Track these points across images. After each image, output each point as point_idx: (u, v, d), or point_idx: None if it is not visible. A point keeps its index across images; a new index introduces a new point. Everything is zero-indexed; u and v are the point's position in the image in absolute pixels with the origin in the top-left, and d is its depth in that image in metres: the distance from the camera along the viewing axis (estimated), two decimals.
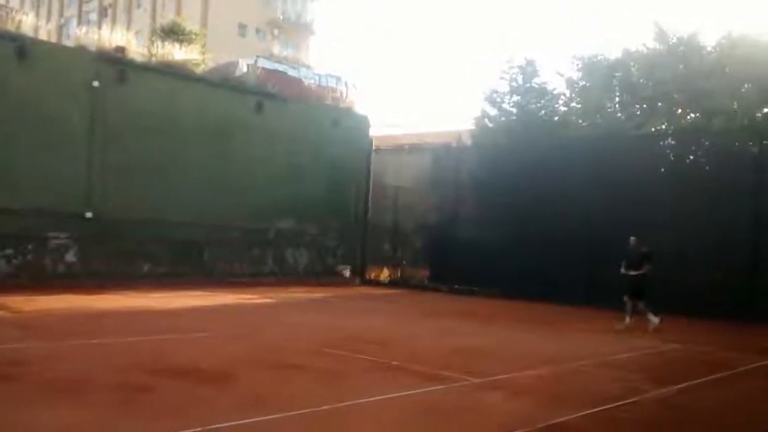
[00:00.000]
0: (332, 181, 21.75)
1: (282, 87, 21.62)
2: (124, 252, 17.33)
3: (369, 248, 22.72)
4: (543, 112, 23.80)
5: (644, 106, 21.17)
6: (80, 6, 56.02)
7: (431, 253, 21.75)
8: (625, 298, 12.90)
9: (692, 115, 20.60)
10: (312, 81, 23.67)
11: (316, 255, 22.13)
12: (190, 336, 10.11)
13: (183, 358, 8.19)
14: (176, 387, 6.83)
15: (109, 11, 53.36)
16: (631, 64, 21.87)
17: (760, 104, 19.36)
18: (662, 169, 17.80)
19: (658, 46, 21.39)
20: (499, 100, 24.50)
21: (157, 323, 11.42)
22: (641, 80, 21.36)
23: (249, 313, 13.85)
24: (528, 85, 24.10)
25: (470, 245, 19.10)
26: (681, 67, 20.48)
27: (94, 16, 53.42)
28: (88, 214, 16.64)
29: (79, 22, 51.34)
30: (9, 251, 15.69)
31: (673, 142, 19.16)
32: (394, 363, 8.50)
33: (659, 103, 20.82)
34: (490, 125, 24.50)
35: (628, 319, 12.84)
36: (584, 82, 22.87)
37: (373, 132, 24.12)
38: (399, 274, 22.05)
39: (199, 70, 20.88)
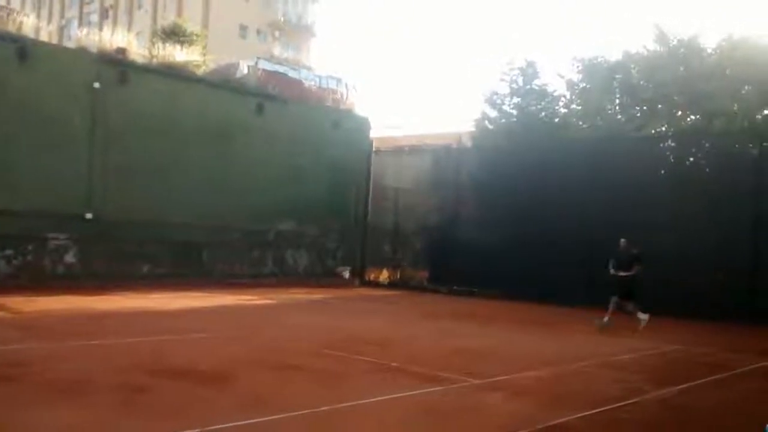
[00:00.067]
0: (332, 183, 21.76)
1: (283, 88, 21.62)
2: (124, 253, 17.33)
3: (369, 250, 22.72)
4: (543, 113, 23.78)
5: (644, 108, 21.17)
6: (81, 7, 56.08)
7: (431, 255, 21.75)
8: (614, 298, 12.98)
9: (692, 117, 20.60)
10: (313, 83, 23.68)
11: (316, 256, 22.13)
12: (190, 337, 10.12)
13: (183, 359, 8.19)
14: (176, 388, 6.83)
15: (110, 12, 53.41)
16: (632, 66, 21.88)
17: (760, 106, 19.36)
18: (662, 171, 17.82)
19: (658, 48, 21.40)
20: (499, 101, 24.49)
21: (157, 324, 11.42)
22: (641, 82, 21.36)
23: (249, 314, 13.85)
24: (528, 86, 24.09)
25: (470, 247, 19.11)
26: (681, 69, 20.48)
27: (95, 18, 53.49)
28: (88, 215, 16.63)
29: (80, 24, 51.40)
30: (9, 252, 15.69)
31: (673, 144, 19.18)
32: (394, 364, 8.50)
33: (659, 105, 20.82)
34: (491, 127, 24.49)
35: (606, 318, 12.91)
36: (584, 84, 22.87)
37: (374, 133, 24.14)
38: (398, 276, 22.05)
39: (200, 71, 20.88)
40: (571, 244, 17.00)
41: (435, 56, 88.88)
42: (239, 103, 19.98)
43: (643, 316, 12.83)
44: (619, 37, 60.20)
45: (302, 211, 20.94)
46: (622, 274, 12.85)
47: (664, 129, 20.54)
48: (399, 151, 24.19)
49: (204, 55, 25.22)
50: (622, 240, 13.15)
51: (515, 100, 24.22)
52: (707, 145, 18.18)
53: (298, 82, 23.14)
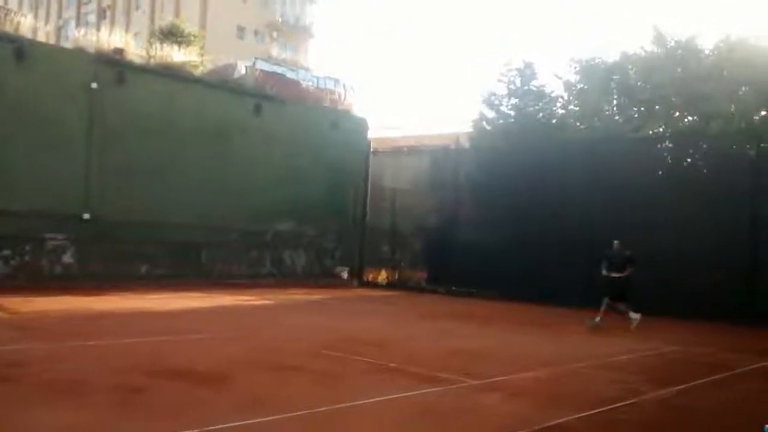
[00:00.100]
0: (330, 183, 21.75)
1: (280, 89, 21.61)
2: (122, 253, 17.30)
3: (367, 250, 22.72)
4: (541, 114, 23.81)
5: (642, 109, 21.20)
6: (79, 7, 55.99)
7: (429, 255, 21.75)
8: (605, 299, 13.11)
9: (690, 118, 20.63)
10: (310, 83, 23.67)
11: (315, 257, 22.12)
12: (188, 337, 10.10)
13: (181, 360, 8.18)
14: (174, 388, 6.82)
15: (108, 13, 53.34)
16: (629, 67, 21.91)
17: (757, 107, 19.40)
18: (660, 172, 17.83)
19: (656, 50, 21.43)
20: (497, 102, 24.51)
21: (155, 325, 11.40)
22: (639, 83, 21.39)
23: (247, 315, 13.84)
24: (526, 87, 24.11)
25: (468, 247, 19.12)
26: (679, 70, 20.52)
27: (92, 18, 53.40)
28: (86, 216, 16.61)
29: (78, 24, 51.35)
30: (6, 252, 15.66)
31: (670, 145, 19.20)
32: (392, 365, 8.49)
33: (657, 106, 20.85)
34: (488, 128, 24.51)
35: (598, 318, 13.03)
36: (582, 85, 22.89)
37: (372, 134, 24.14)
38: (397, 276, 22.05)
39: (198, 72, 20.86)
40: (569, 245, 17.00)
41: (433, 57, 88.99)
42: (237, 104, 19.96)
43: (635, 316, 13.00)
44: (616, 38, 60.38)
45: (300, 212, 20.93)
46: (614, 275, 13.02)
47: (661, 130, 20.57)
48: (397, 151, 24.19)
49: (202, 55, 25.19)
50: (615, 242, 13.34)
51: (513, 101, 24.25)
52: (704, 146, 18.22)
53: (296, 83, 23.14)
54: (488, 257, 18.37)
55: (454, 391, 7.29)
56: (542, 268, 17.26)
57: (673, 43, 21.06)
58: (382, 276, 22.25)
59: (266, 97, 20.74)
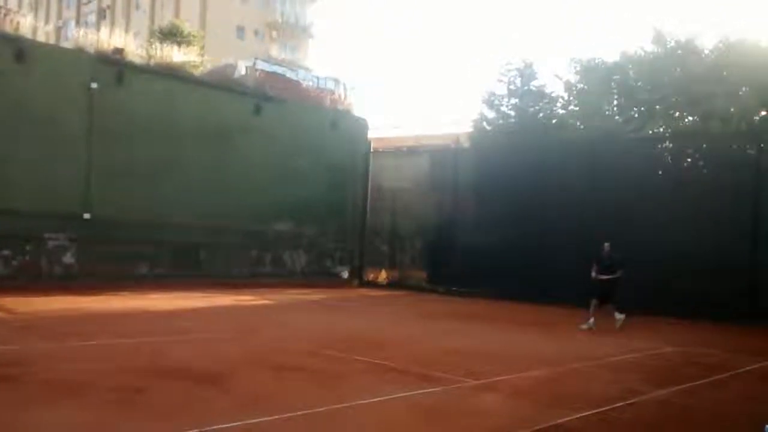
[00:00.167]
0: (330, 183, 21.76)
1: (280, 89, 21.63)
2: (122, 253, 17.31)
3: (367, 250, 22.73)
4: (541, 114, 23.79)
5: (642, 109, 21.18)
6: (79, 8, 55.98)
7: (429, 255, 21.76)
8: (594, 301, 13.21)
9: (690, 118, 20.61)
10: (310, 83, 23.70)
11: (315, 257, 22.13)
12: (189, 337, 10.11)
13: (181, 360, 8.19)
14: (174, 388, 6.82)
15: (108, 13, 53.32)
16: (629, 67, 21.89)
17: (757, 108, 19.37)
18: (660, 172, 17.85)
19: (656, 50, 21.42)
20: (497, 102, 24.49)
21: (155, 325, 11.41)
22: (639, 83, 21.37)
23: (247, 315, 13.84)
24: (526, 87, 24.10)
25: (468, 247, 19.13)
26: (679, 70, 20.50)
27: (92, 18, 53.38)
28: (86, 216, 16.62)
29: (78, 24, 51.26)
30: (7, 252, 15.67)
31: (670, 145, 19.20)
32: (392, 364, 8.50)
33: (657, 107, 20.83)
34: (488, 128, 24.49)
35: (592, 320, 13.09)
36: (582, 85, 22.87)
37: (372, 134, 24.15)
38: (397, 276, 22.05)
39: (198, 72, 20.88)
40: (569, 245, 17.00)
41: (433, 57, 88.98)
42: (237, 104, 19.97)
43: (620, 316, 13.19)
44: (616, 38, 60.37)
45: (300, 212, 20.94)
46: (603, 277, 13.15)
47: (661, 130, 20.54)
48: (397, 151, 24.21)
49: (201, 55, 25.19)
50: (606, 244, 13.46)
51: (513, 101, 24.23)
52: (704, 146, 18.22)
53: (296, 83, 23.17)
54: (488, 257, 18.38)
55: (455, 391, 7.29)
56: (542, 267, 17.27)
57: (673, 43, 21.05)
58: (382, 276, 22.26)
59: (266, 97, 20.75)
